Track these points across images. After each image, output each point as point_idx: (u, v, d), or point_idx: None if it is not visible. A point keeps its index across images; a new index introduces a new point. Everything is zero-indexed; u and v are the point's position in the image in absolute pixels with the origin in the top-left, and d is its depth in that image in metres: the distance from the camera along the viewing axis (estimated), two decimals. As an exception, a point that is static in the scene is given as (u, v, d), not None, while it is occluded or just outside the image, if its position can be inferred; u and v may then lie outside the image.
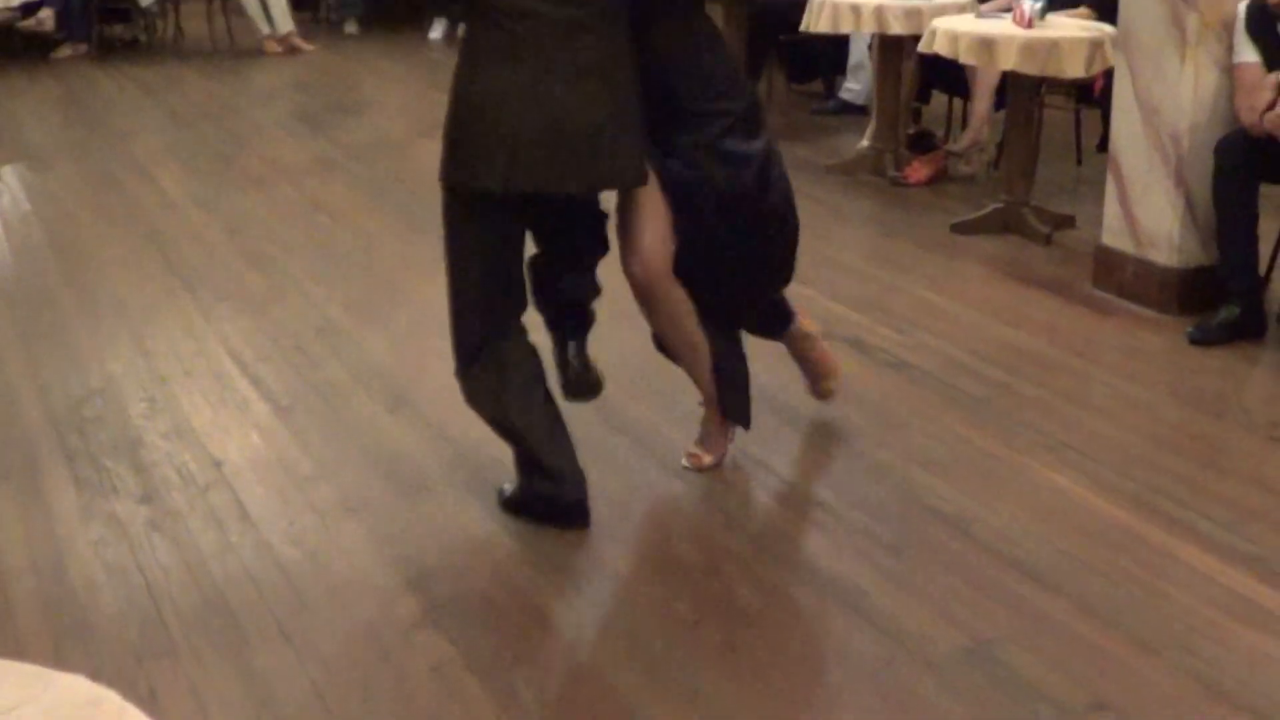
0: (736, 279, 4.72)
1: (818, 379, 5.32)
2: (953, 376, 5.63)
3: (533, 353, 4.49)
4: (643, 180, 4.43)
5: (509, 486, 4.60)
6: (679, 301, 4.64)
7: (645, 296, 4.62)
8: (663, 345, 4.90)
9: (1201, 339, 5.96)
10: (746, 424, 4.90)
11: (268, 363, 5.74)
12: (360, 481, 4.76)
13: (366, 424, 5.20)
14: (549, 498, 4.48)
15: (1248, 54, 6.05)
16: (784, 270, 4.88)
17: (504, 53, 4.19)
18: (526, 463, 4.51)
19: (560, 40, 4.19)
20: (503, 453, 4.63)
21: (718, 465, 4.88)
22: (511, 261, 4.41)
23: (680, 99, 4.46)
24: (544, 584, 4.19)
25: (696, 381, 4.85)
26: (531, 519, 4.52)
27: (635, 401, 5.35)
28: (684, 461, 4.88)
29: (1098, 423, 5.24)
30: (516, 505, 4.57)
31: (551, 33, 4.18)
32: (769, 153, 4.61)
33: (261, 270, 6.86)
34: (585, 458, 4.58)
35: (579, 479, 4.50)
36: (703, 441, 4.91)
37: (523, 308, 4.49)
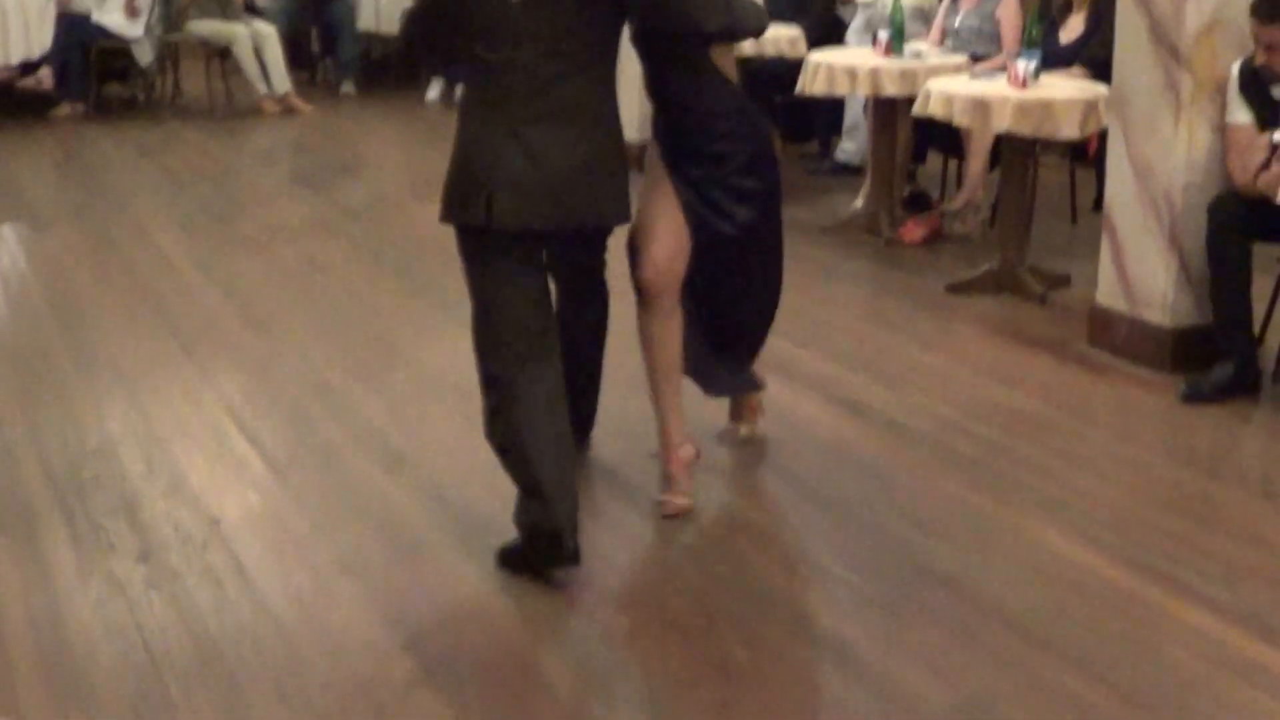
0: (732, 307, 5.11)
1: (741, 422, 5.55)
2: (947, 436, 5.65)
3: (554, 385, 4.59)
4: (626, 218, 4.75)
5: (509, 542, 4.63)
6: (675, 322, 4.98)
7: (648, 303, 4.95)
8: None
9: (1195, 397, 5.98)
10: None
11: (265, 422, 5.76)
12: (357, 541, 4.77)
13: (363, 484, 5.21)
14: (536, 524, 4.49)
15: (1240, 114, 6.09)
16: (771, 306, 5.23)
17: (490, 102, 4.52)
18: (526, 489, 4.53)
19: (541, 88, 4.47)
20: (499, 512, 4.65)
21: (690, 503, 4.96)
22: (517, 298, 4.62)
23: (692, 138, 4.87)
24: (539, 644, 4.20)
25: (662, 412, 5.05)
26: (523, 565, 4.55)
27: (629, 462, 5.36)
28: (663, 511, 4.94)
29: (1092, 481, 5.26)
30: (510, 554, 4.60)
31: (533, 82, 4.47)
32: (775, 192, 4.97)
33: (259, 330, 6.88)
34: (580, 515, 4.59)
35: (571, 512, 4.50)
36: (669, 486, 5.00)
37: (538, 342, 4.62)
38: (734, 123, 4.86)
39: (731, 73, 4.92)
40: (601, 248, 5.03)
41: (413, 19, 4.84)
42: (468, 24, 4.53)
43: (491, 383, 4.64)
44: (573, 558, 4.49)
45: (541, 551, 4.51)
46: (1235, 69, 6.09)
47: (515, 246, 4.57)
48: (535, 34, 4.45)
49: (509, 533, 4.59)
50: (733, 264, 5.01)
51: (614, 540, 4.80)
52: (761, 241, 5.03)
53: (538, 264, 4.69)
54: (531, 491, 4.51)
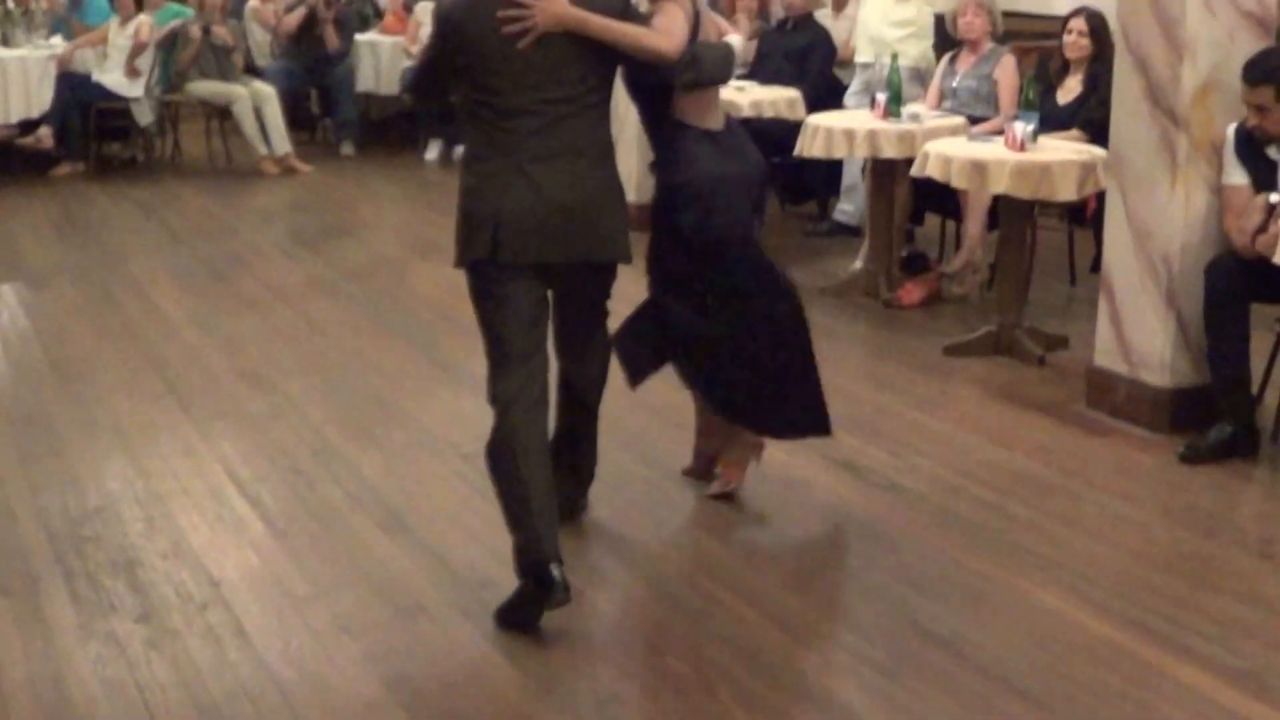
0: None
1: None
2: (945, 498, 5.65)
3: (539, 420, 4.79)
4: (629, 256, 4.99)
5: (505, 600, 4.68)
6: None
7: None
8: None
9: (1193, 458, 5.99)
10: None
11: (265, 483, 5.76)
12: (356, 602, 4.77)
13: (362, 545, 5.22)
14: (521, 550, 4.59)
15: (1237, 176, 6.12)
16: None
17: (496, 144, 4.74)
18: (515, 521, 4.65)
19: (546, 127, 4.73)
20: (499, 573, 4.67)
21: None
22: (520, 324, 4.78)
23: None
24: (538, 704, 4.21)
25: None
26: (518, 615, 4.59)
27: (626, 520, 5.37)
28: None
29: (1090, 543, 5.26)
30: (506, 608, 4.64)
31: (539, 122, 4.73)
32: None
33: (258, 390, 6.89)
34: (578, 578, 4.61)
35: (553, 543, 4.57)
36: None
37: (532, 378, 4.78)
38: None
39: (709, 121, 5.22)
40: (607, 286, 5.13)
41: (419, 74, 5.10)
42: (476, 71, 4.74)
43: (494, 403, 4.80)
44: (561, 591, 4.52)
45: (530, 590, 4.57)
46: (1231, 131, 6.13)
47: (521, 280, 4.75)
48: (540, 77, 4.70)
49: (508, 593, 4.60)
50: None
51: (610, 600, 4.81)
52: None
53: (542, 298, 4.85)
54: (518, 520, 4.63)
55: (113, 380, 7.07)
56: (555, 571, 4.52)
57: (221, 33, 12.85)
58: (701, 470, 5.76)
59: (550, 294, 4.90)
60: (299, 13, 13.57)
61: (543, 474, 4.68)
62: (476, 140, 4.85)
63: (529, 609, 4.59)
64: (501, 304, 4.78)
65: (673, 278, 5.49)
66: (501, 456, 4.70)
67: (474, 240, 4.74)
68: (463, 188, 4.82)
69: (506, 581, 4.63)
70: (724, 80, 5.46)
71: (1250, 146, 6.08)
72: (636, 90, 5.22)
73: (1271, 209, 5.91)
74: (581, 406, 5.27)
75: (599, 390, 5.29)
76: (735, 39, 6.00)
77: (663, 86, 5.14)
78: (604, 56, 4.80)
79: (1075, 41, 8.17)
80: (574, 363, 5.21)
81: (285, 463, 5.98)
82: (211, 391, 6.89)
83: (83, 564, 5.03)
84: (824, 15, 10.76)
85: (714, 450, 5.74)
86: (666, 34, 4.83)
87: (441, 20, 4.91)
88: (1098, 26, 8.11)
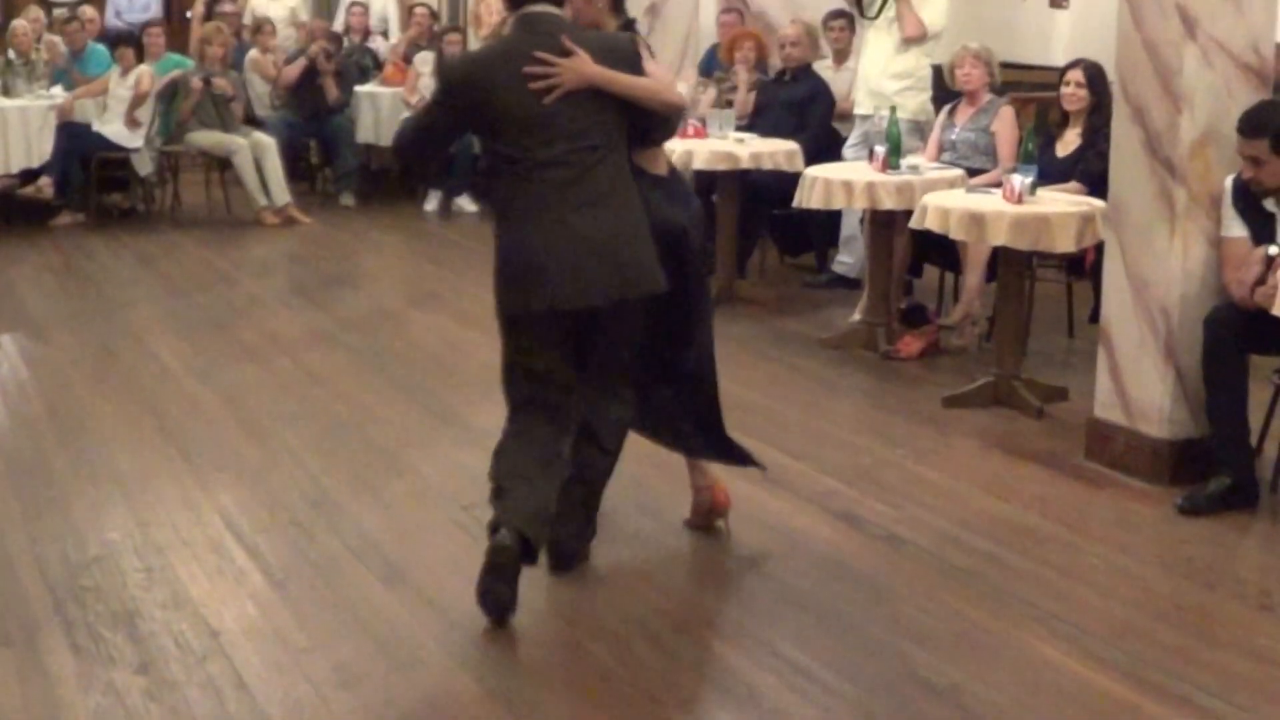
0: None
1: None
2: (944, 549, 5.65)
3: (558, 438, 5.18)
4: (662, 284, 5.15)
5: None
6: None
7: None
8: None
9: (1191, 509, 5.99)
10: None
11: (264, 534, 5.76)
12: (355, 654, 4.76)
13: (361, 596, 5.21)
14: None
15: (1235, 229, 6.14)
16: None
17: (531, 196, 5.00)
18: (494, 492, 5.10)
19: (578, 177, 5.01)
20: (495, 624, 4.66)
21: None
22: (551, 360, 5.15)
23: None
24: (539, 756, 4.20)
25: None
26: (486, 590, 4.91)
27: (625, 569, 5.38)
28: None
29: (1089, 594, 5.26)
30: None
31: (570, 173, 5.00)
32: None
33: (258, 441, 6.90)
34: (577, 630, 4.60)
35: (526, 517, 4.97)
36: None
37: (559, 396, 5.18)
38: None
39: (659, 167, 5.48)
40: (640, 322, 5.24)
41: (417, 135, 5.23)
42: (502, 127, 5.00)
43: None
44: (504, 551, 4.89)
45: (490, 556, 4.92)
46: (1229, 183, 6.15)
47: (563, 324, 5.08)
48: (567, 129, 4.97)
49: (508, 645, 4.63)
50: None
51: (609, 650, 4.80)
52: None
53: (575, 344, 5.18)
54: (497, 493, 5.05)
55: (112, 430, 7.07)
56: (507, 537, 4.87)
57: (222, 84, 12.90)
58: (700, 521, 5.81)
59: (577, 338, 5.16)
60: (299, 64, 13.64)
61: (541, 467, 5.07)
62: (510, 195, 5.06)
63: (485, 578, 4.90)
64: (542, 352, 5.12)
65: None
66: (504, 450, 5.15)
67: (523, 292, 5.01)
68: (504, 242, 5.06)
69: (508, 633, 4.64)
70: (676, 132, 5.79)
71: (1248, 199, 6.10)
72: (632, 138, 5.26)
73: (1270, 261, 5.93)
74: (601, 451, 5.38)
75: (622, 435, 5.45)
76: (684, 87, 6.18)
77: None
78: (623, 107, 5.06)
79: (1073, 93, 8.20)
80: (599, 412, 5.34)
81: (284, 514, 5.97)
82: (211, 442, 6.89)
83: (82, 614, 5.01)
84: (823, 67, 10.81)
85: (709, 500, 5.81)
86: (670, 87, 5.10)
87: (455, 80, 5.14)
88: (1095, 77, 8.14)
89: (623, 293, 5.04)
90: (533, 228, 4.98)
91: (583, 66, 4.92)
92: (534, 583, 5.27)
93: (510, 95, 4.93)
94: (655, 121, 5.22)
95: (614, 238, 5.01)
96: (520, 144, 4.96)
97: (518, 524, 4.91)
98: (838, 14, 10.93)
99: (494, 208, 5.23)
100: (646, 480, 6.30)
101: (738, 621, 5.01)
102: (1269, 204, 6.09)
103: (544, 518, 5.05)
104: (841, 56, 10.91)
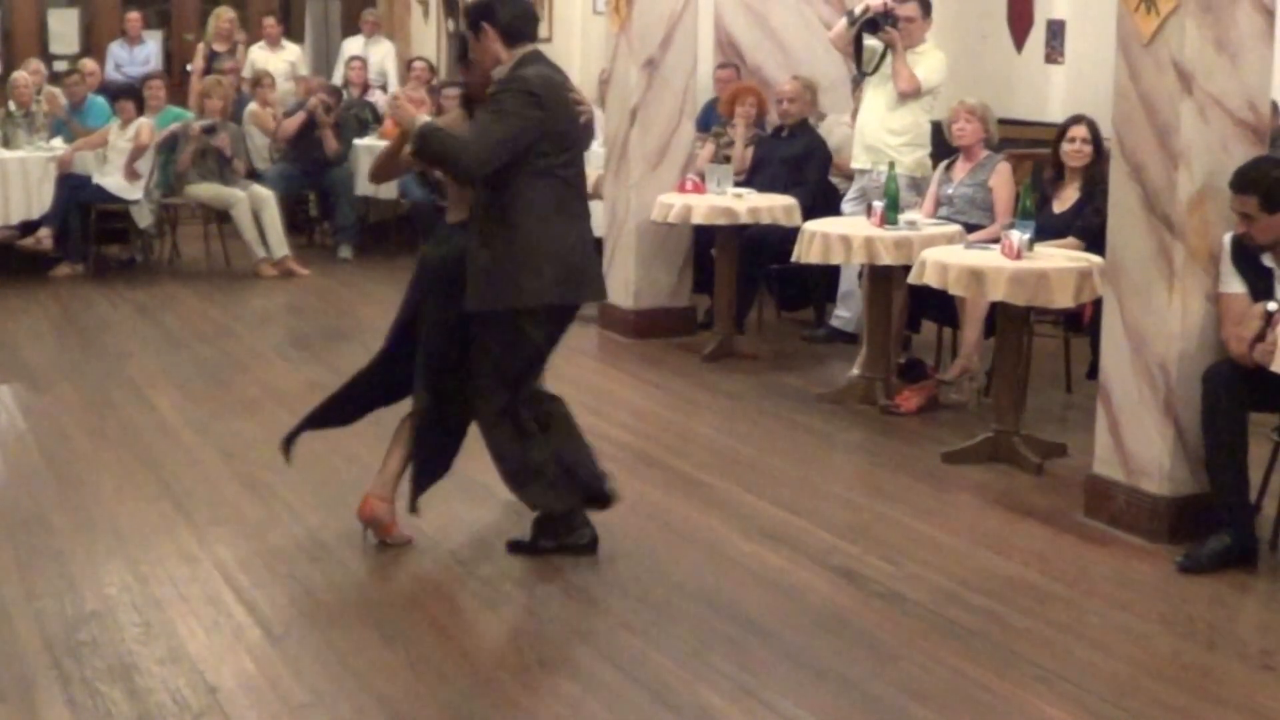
0: None
1: None
2: (944, 607, 5.64)
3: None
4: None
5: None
6: None
7: None
8: None
9: (1192, 568, 5.98)
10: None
11: (262, 589, 5.75)
12: (354, 710, 4.75)
13: (360, 652, 5.19)
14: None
15: (1234, 285, 6.15)
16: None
17: (563, 201, 5.93)
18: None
19: (583, 187, 6.16)
20: (494, 680, 4.65)
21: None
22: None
23: None
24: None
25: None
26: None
27: (628, 627, 5.36)
28: None
29: (1090, 653, 5.24)
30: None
31: (583, 182, 6.16)
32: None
33: (256, 495, 6.89)
34: (575, 686, 4.58)
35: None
36: None
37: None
38: None
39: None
40: None
41: (501, 145, 5.78)
42: (565, 139, 5.93)
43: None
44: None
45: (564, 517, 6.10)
46: (1227, 240, 6.17)
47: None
48: (581, 144, 6.14)
49: (502, 701, 4.61)
50: None
51: (611, 709, 4.78)
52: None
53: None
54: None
55: (110, 483, 7.07)
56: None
57: (223, 141, 12.95)
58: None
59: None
60: (298, 117, 13.70)
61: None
62: (546, 197, 5.87)
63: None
64: (549, 341, 6.04)
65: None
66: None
67: (576, 285, 5.97)
68: (545, 235, 5.86)
69: (503, 690, 4.63)
70: None
71: (1246, 254, 6.12)
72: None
73: (1269, 317, 5.94)
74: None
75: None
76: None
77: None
78: None
79: (1078, 149, 8.24)
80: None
81: (283, 568, 5.96)
82: (209, 496, 6.88)
83: (79, 669, 5.00)
84: (841, 123, 10.87)
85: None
86: None
87: (541, 96, 5.80)
88: (1098, 134, 8.18)
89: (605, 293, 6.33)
90: (569, 228, 5.92)
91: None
92: (529, 637, 5.27)
93: (566, 111, 5.95)
94: None
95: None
96: (566, 156, 5.92)
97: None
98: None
99: (534, 206, 5.85)
100: (646, 537, 6.32)
101: (736, 678, 4.98)
102: (1266, 260, 6.11)
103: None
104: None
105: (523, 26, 5.96)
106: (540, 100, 5.76)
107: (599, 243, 10.60)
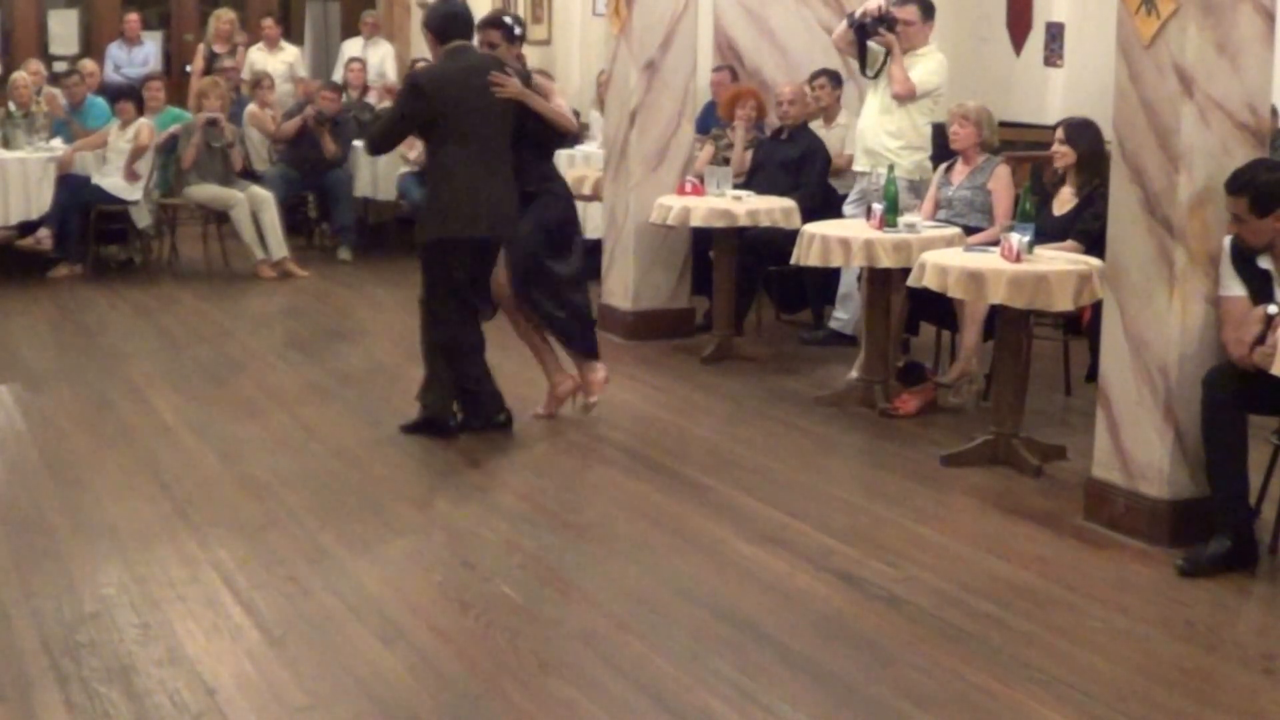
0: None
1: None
2: (944, 610, 5.64)
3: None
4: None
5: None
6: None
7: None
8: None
9: (1192, 571, 5.98)
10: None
11: (261, 590, 5.74)
12: (352, 712, 4.75)
13: (358, 654, 5.19)
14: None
15: (1234, 288, 6.15)
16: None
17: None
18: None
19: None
20: (495, 685, 4.65)
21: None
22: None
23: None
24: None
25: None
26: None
27: (627, 629, 5.36)
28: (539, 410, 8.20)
29: (1090, 656, 5.25)
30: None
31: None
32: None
33: (255, 497, 6.89)
34: (578, 693, 4.58)
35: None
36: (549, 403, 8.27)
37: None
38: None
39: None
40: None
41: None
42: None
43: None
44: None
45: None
46: (1227, 243, 6.17)
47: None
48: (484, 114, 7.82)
49: (502, 704, 4.63)
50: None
51: (611, 712, 4.79)
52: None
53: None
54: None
55: (109, 484, 7.07)
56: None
57: (226, 129, 12.99)
58: (553, 412, 8.27)
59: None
60: (295, 121, 13.70)
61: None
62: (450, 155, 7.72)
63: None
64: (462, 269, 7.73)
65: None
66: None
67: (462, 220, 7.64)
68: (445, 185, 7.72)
69: (502, 693, 4.63)
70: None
71: (1245, 258, 6.13)
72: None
73: (1270, 320, 5.94)
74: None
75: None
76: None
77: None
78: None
79: (1058, 150, 8.29)
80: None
81: (281, 570, 5.96)
82: (208, 497, 6.88)
83: (77, 670, 5.00)
84: (818, 124, 10.87)
85: (566, 391, 8.26)
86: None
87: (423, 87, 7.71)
88: (1074, 134, 8.24)
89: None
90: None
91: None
92: (529, 640, 5.27)
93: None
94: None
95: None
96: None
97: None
98: (820, 73, 11.01)
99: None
100: (646, 540, 6.33)
101: (736, 682, 4.98)
102: (1264, 262, 6.11)
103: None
104: (830, 115, 10.97)
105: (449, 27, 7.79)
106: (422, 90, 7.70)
107: (597, 243, 10.73)
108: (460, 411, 7.92)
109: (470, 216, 7.59)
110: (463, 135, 7.61)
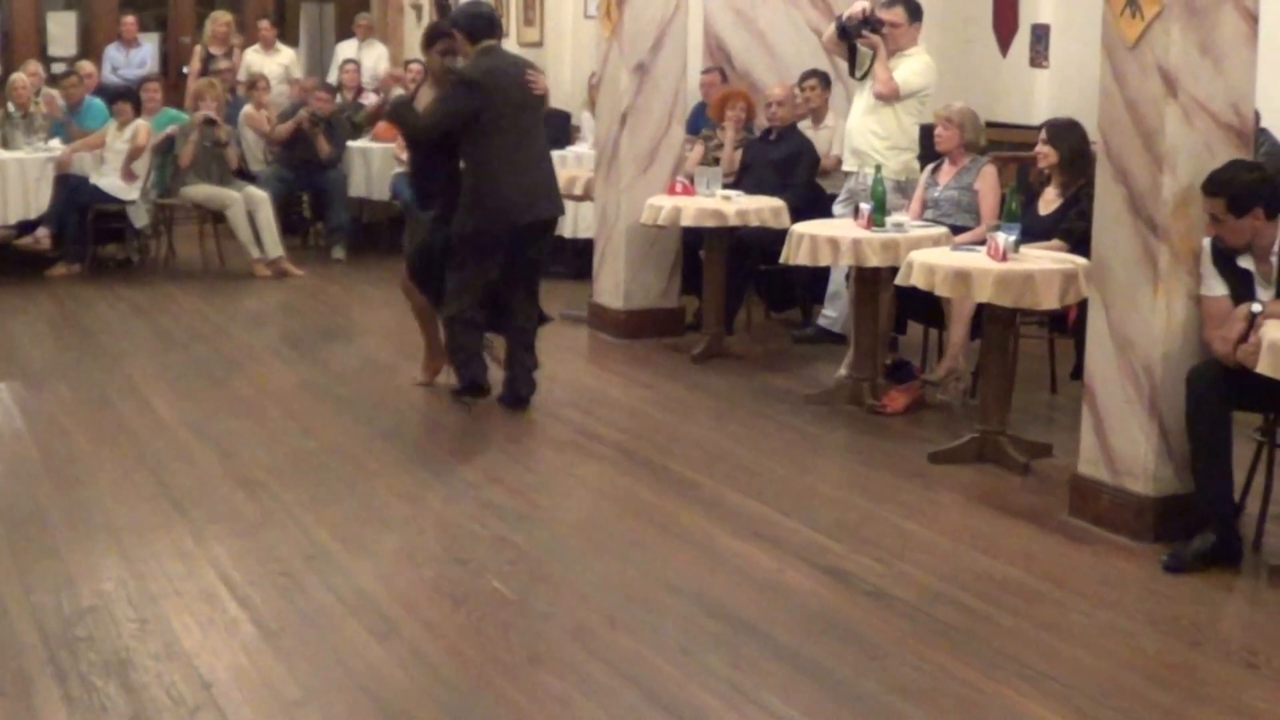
0: None
1: None
2: (931, 605, 5.69)
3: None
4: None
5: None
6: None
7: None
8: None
9: (1177, 567, 6.03)
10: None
11: (257, 586, 5.79)
12: (346, 707, 4.80)
13: (353, 649, 5.24)
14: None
15: (1216, 287, 6.20)
16: None
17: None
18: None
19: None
20: (487, 678, 4.72)
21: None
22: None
23: None
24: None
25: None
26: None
27: (619, 626, 5.44)
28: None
29: (1076, 652, 5.29)
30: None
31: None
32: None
33: (251, 494, 6.94)
34: (566, 686, 4.63)
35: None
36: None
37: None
38: None
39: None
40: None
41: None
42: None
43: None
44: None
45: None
46: (1207, 243, 6.21)
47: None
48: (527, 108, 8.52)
49: (495, 699, 4.71)
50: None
51: (603, 710, 4.84)
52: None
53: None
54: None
55: (107, 481, 7.12)
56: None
57: (223, 129, 13.04)
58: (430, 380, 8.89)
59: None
60: (291, 123, 13.75)
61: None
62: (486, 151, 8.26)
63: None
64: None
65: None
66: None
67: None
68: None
69: (496, 688, 4.69)
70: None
71: (1224, 257, 6.18)
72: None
73: (1253, 318, 5.99)
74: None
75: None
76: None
77: None
78: None
79: (1040, 150, 8.37)
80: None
81: (277, 566, 6.01)
82: (205, 493, 6.94)
83: (75, 664, 5.05)
84: (806, 125, 10.93)
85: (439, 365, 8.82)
86: None
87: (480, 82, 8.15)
88: (1055, 134, 8.32)
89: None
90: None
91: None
92: (522, 635, 5.32)
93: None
94: None
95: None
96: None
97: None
98: (811, 74, 11.08)
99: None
100: (636, 537, 6.38)
101: (726, 676, 5.03)
102: (1244, 262, 6.16)
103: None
104: (819, 116, 11.03)
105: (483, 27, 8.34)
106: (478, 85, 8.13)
107: (588, 243, 10.79)
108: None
109: (525, 205, 8.20)
110: (508, 128, 8.13)
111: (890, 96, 9.26)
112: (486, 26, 8.36)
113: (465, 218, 8.17)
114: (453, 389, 8.46)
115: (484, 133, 8.09)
